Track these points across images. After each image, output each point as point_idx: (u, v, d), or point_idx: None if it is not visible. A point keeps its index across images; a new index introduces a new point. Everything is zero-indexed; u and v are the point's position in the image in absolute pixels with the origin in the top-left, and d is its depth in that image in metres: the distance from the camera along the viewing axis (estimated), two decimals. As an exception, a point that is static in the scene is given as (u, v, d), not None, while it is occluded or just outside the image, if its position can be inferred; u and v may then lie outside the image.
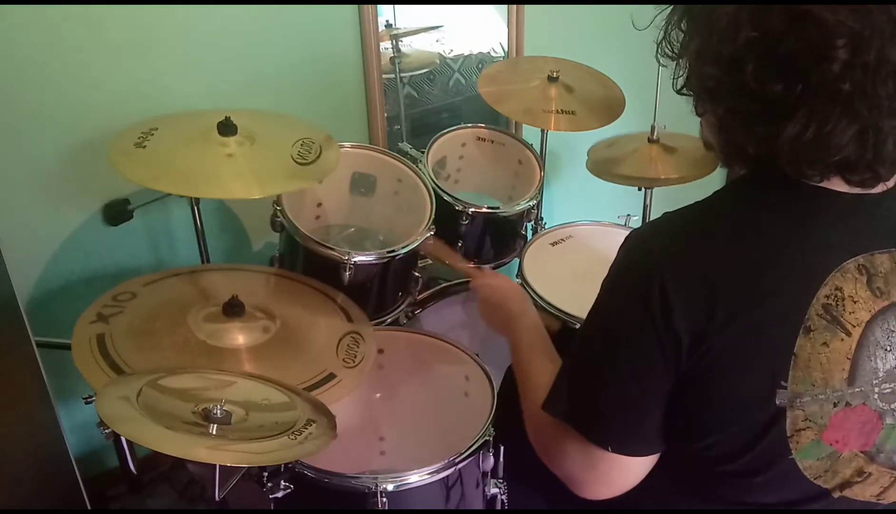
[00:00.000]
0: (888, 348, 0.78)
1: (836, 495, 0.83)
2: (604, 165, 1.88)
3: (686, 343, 0.78)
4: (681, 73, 0.83)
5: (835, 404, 0.78)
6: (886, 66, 0.70)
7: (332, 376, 1.27)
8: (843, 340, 0.77)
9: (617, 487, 0.88)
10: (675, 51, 0.83)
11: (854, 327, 0.77)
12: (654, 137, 1.87)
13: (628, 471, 0.87)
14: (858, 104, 0.71)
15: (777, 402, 0.78)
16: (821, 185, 0.78)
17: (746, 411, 0.79)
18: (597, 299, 0.88)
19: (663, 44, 0.84)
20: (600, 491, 0.89)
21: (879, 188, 0.79)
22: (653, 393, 0.82)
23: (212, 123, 1.39)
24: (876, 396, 0.78)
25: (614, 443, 0.84)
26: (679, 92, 0.84)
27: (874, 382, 0.78)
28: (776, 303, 0.77)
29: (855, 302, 0.77)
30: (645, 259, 0.82)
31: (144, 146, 1.37)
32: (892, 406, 0.79)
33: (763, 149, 0.78)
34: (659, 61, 0.85)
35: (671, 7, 0.84)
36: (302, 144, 1.46)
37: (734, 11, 0.74)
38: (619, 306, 0.85)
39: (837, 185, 0.78)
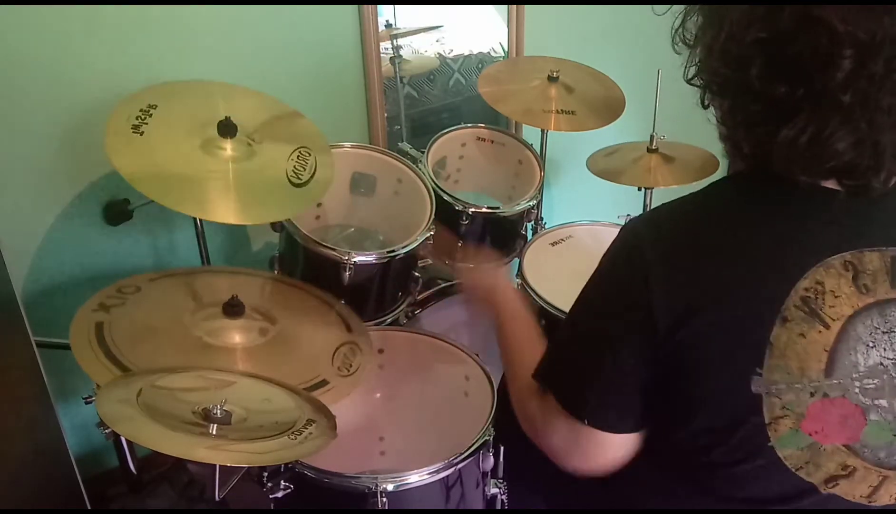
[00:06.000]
0: (871, 345, 0.79)
1: (824, 491, 0.83)
2: (603, 175, 1.88)
3: (663, 329, 0.80)
4: (693, 62, 0.84)
5: (812, 394, 0.79)
6: (893, 78, 0.70)
7: (324, 382, 1.27)
8: (820, 332, 0.78)
9: (594, 463, 0.91)
10: (690, 40, 0.84)
11: (833, 320, 0.78)
12: (654, 147, 1.87)
13: (607, 448, 0.90)
14: (859, 115, 0.72)
15: (753, 389, 0.79)
16: (814, 182, 0.79)
17: (724, 395, 0.81)
18: (588, 280, 0.91)
19: (681, 30, 0.85)
20: (579, 465, 0.92)
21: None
22: (629, 373, 0.85)
23: (212, 110, 1.36)
24: (857, 390, 0.79)
25: (589, 416, 0.87)
26: (689, 82, 0.85)
27: (854, 376, 0.79)
28: (756, 294, 0.78)
29: (836, 297, 0.78)
30: (633, 248, 0.85)
31: (142, 132, 1.33)
32: (876, 402, 0.80)
33: (758, 149, 0.79)
34: (675, 49, 0.85)
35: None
36: (298, 156, 1.44)
37: (747, 10, 0.74)
38: (603, 289, 0.88)
39: (832, 184, 0.79)
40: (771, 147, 0.76)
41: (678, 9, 0.85)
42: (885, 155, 0.74)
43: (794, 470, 0.82)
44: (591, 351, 0.88)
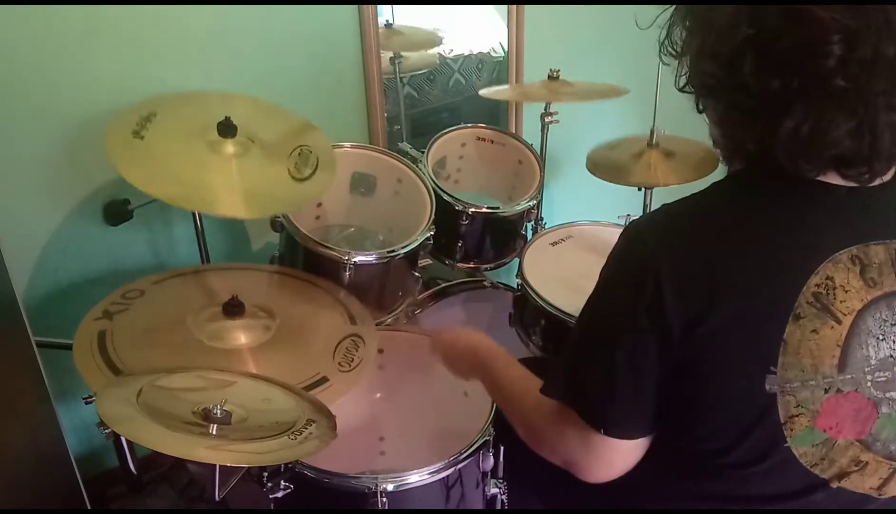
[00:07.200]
0: (881, 337, 0.79)
1: (835, 485, 0.83)
2: (604, 169, 1.88)
3: (678, 331, 0.79)
4: (683, 71, 0.85)
5: (825, 391, 0.79)
6: (882, 61, 0.72)
7: (324, 380, 1.26)
8: (833, 328, 0.78)
9: (616, 469, 0.90)
10: (678, 49, 0.85)
11: (845, 315, 0.78)
12: (654, 142, 1.87)
13: (625, 453, 0.89)
14: (854, 100, 0.73)
15: (767, 387, 0.79)
16: (816, 178, 0.80)
17: (739, 397, 0.81)
18: (595, 286, 0.90)
19: (666, 43, 0.86)
20: (599, 474, 0.91)
21: (876, 181, 0.80)
22: (645, 379, 0.84)
23: (211, 115, 1.37)
24: (869, 384, 0.79)
25: (607, 426, 0.87)
26: (682, 90, 0.86)
27: (866, 370, 0.79)
28: (767, 292, 0.78)
29: (846, 291, 0.78)
30: (641, 249, 0.84)
31: (142, 136, 1.35)
32: (888, 395, 0.80)
33: (762, 144, 0.80)
34: (662, 60, 0.86)
35: (674, 6, 0.85)
36: (300, 154, 1.45)
37: (733, 10, 0.76)
38: (614, 293, 0.87)
39: (833, 178, 0.80)
40: (773, 141, 0.77)
41: (661, 21, 0.86)
42: (883, 139, 0.75)
43: (808, 467, 0.82)
44: (606, 361, 0.85)
